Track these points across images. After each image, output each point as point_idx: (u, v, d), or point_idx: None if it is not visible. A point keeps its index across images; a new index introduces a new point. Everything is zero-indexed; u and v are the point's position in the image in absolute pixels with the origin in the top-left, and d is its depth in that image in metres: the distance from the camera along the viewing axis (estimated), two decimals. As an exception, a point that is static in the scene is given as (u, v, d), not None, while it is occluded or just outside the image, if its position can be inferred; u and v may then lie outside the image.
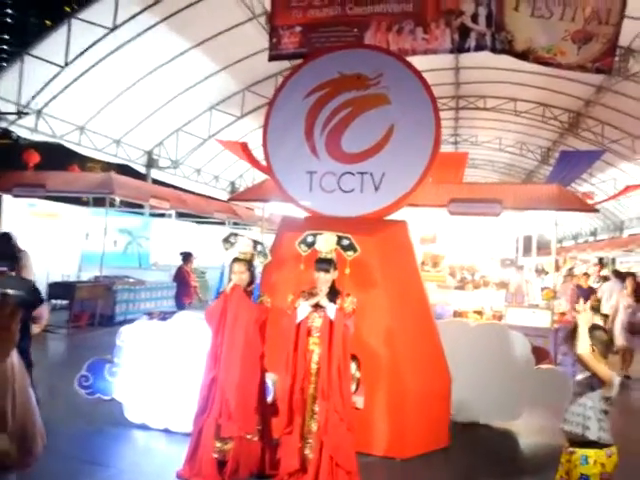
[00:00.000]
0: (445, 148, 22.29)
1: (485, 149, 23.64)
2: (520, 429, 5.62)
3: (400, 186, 5.00)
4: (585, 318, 2.99)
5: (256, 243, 4.24)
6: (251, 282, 4.16)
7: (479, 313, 9.37)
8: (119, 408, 5.05)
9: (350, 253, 3.95)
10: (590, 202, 13.44)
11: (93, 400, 5.12)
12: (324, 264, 3.82)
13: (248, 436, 3.95)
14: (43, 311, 3.77)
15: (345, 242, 3.97)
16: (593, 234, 30.47)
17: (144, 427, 4.96)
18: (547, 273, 10.75)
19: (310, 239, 4.03)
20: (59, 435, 4.68)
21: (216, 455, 3.94)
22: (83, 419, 5.09)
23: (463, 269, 12.28)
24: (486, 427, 5.62)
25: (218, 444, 3.95)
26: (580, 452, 2.95)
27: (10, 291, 3.49)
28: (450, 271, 11.90)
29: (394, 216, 5.52)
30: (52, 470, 3.95)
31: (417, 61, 6.61)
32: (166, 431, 4.90)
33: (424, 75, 5.08)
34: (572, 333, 3.13)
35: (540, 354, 6.29)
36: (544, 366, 5.81)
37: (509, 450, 5.13)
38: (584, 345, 2.88)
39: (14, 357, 1.18)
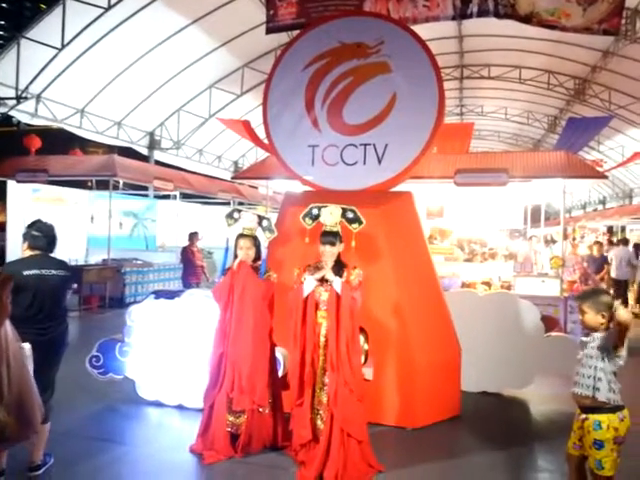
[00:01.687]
0: (450, 119, 22.02)
1: (491, 119, 23.36)
2: (531, 397, 5.65)
3: (404, 157, 4.91)
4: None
5: (261, 218, 4.21)
6: (257, 258, 4.15)
7: (487, 284, 9.35)
8: (131, 386, 5.11)
9: (355, 225, 3.90)
10: (600, 170, 13.28)
11: (105, 380, 5.18)
12: (329, 237, 3.79)
13: (260, 409, 3.98)
14: (68, 293, 3.91)
15: (350, 214, 3.92)
16: (602, 202, 30.20)
17: (157, 404, 5.02)
18: (555, 242, 10.67)
19: (315, 212, 3.98)
20: (74, 415, 4.76)
21: (229, 429, 4.00)
22: (96, 398, 5.16)
23: (471, 242, 12.20)
24: (496, 396, 5.66)
25: (231, 418, 4.00)
26: (593, 418, 2.94)
27: (54, 271, 3.60)
28: (458, 244, 11.84)
29: (400, 188, 5.47)
30: (68, 449, 4.03)
31: (418, 30, 6.45)
32: (179, 407, 4.97)
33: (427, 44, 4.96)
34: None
35: (550, 323, 6.28)
36: (554, 334, 5.81)
37: (520, 418, 5.16)
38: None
39: (8, 328, 1.15)
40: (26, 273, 3.52)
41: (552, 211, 18.10)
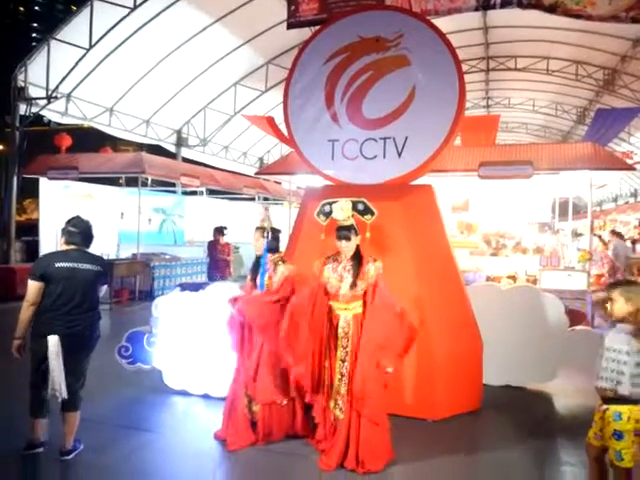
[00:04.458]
0: (477, 112, 21.74)
1: (518, 111, 22.98)
2: (554, 391, 5.60)
3: (424, 150, 4.91)
4: None
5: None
6: (275, 250, 4.26)
7: (512, 278, 9.26)
8: (159, 376, 5.26)
9: (368, 217, 3.92)
10: (630, 162, 12.95)
11: (134, 369, 5.35)
12: (344, 231, 3.82)
13: (278, 401, 4.07)
14: (103, 288, 4.04)
15: (361, 206, 3.94)
16: (634, 195, 29.40)
17: (184, 393, 5.17)
18: (582, 235, 10.48)
19: (327, 209, 4.02)
20: (103, 403, 4.93)
21: (249, 416, 4.11)
22: (125, 387, 5.33)
23: (499, 236, 12.03)
24: (520, 389, 5.63)
25: (247, 404, 4.12)
26: (613, 408, 2.93)
27: (87, 265, 3.74)
28: (485, 239, 11.71)
29: (423, 181, 5.47)
30: (97, 436, 4.19)
31: (443, 22, 6.40)
32: (205, 396, 5.10)
33: (451, 37, 4.92)
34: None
35: (576, 317, 6.22)
36: (579, 327, 5.74)
37: (543, 412, 5.12)
38: None
39: None
40: (57, 265, 3.66)
41: (582, 204, 17.70)
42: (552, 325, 5.57)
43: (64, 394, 3.61)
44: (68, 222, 3.90)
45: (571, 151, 8.40)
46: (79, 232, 3.84)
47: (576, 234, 10.85)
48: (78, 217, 3.95)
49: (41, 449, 3.73)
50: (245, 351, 4.15)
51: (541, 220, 12.32)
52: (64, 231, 3.87)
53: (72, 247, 3.82)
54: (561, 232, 11.14)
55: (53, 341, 3.54)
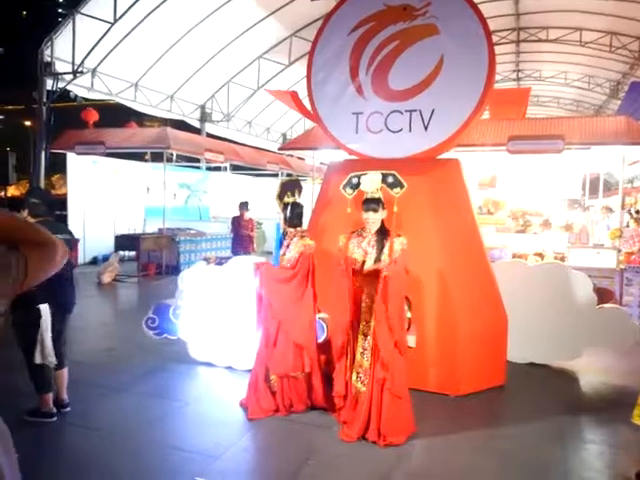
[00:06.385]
0: (506, 85, 21.14)
1: (550, 85, 22.22)
2: (580, 369, 5.54)
3: (451, 123, 4.77)
4: None
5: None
6: (295, 225, 4.26)
7: (540, 255, 9.10)
8: (184, 347, 5.36)
9: (397, 190, 3.86)
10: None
11: (160, 340, 5.46)
12: (372, 203, 3.78)
13: (292, 374, 4.11)
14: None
15: (391, 179, 3.87)
16: (669, 172, 28.41)
17: (208, 364, 5.26)
18: (613, 211, 10.17)
19: (355, 181, 3.96)
20: (130, 372, 5.06)
21: (269, 386, 4.18)
22: (151, 357, 5.46)
23: (526, 214, 11.79)
24: (544, 367, 5.58)
25: (267, 374, 4.19)
26: None
27: (60, 236, 3.80)
28: (512, 216, 11.50)
29: (450, 156, 5.36)
30: (123, 404, 4.32)
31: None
32: (229, 368, 5.18)
33: (480, 7, 4.72)
34: None
35: (604, 294, 6.09)
36: (607, 305, 5.63)
37: (567, 390, 5.06)
38: None
39: None
40: None
41: (613, 181, 17.22)
42: (580, 303, 5.47)
43: (55, 360, 3.80)
44: (29, 194, 3.96)
45: (603, 125, 8.13)
46: (43, 203, 3.88)
47: (607, 208, 10.51)
48: (37, 188, 4.03)
49: (55, 418, 3.94)
50: (265, 323, 4.19)
51: (571, 197, 12.03)
52: (27, 204, 3.88)
53: (39, 219, 3.83)
54: (591, 209, 10.84)
55: (46, 310, 3.66)
